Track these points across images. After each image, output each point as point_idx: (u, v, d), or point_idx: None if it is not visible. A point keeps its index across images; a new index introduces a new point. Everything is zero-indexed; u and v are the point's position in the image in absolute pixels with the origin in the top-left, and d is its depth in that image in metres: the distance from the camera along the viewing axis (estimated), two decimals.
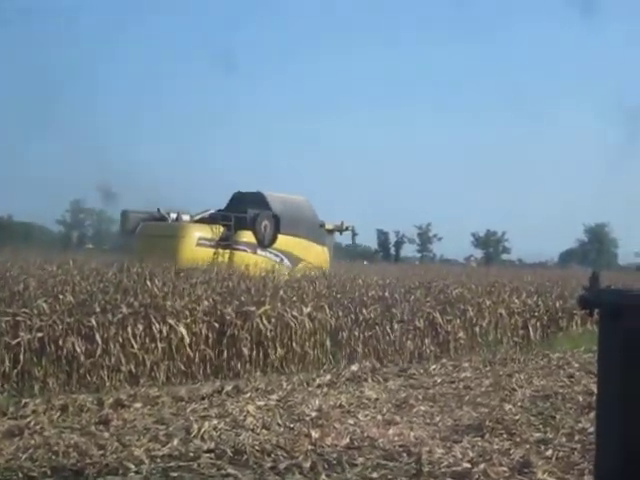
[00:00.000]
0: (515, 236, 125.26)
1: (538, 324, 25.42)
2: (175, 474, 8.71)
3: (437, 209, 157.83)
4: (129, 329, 15.17)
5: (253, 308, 17.07)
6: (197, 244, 27.49)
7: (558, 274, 42.69)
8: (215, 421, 11.01)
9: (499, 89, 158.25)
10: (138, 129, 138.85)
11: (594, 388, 4.41)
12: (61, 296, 15.46)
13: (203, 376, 15.90)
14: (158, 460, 9.14)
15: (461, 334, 21.71)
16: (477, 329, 22.56)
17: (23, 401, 12.07)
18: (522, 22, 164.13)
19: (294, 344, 17.56)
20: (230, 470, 8.85)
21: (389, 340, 19.59)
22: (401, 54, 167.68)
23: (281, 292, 18.72)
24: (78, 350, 14.40)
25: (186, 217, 29.37)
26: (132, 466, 8.83)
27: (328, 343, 18.33)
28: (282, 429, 10.86)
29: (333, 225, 33.75)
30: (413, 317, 20.50)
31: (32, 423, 10.73)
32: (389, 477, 8.64)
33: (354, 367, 16.59)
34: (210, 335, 16.37)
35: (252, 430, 10.66)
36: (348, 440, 10.19)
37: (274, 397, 13.16)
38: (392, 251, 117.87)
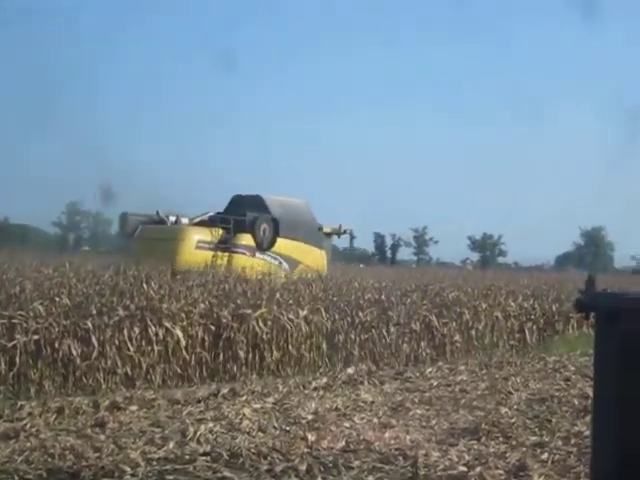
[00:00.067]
0: (511, 239, 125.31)
1: (534, 327, 25.47)
2: (171, 477, 8.70)
3: (433, 212, 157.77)
4: (125, 332, 15.17)
5: (249, 311, 17.08)
6: (196, 247, 27.46)
7: (554, 277, 42.80)
8: (211, 424, 11.00)
9: (498, 90, 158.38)
10: (138, 129, 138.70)
11: (590, 391, 4.41)
12: (57, 299, 15.46)
13: (199, 379, 15.91)
14: (154, 463, 9.13)
15: (457, 337, 21.74)
16: (473, 332, 22.60)
17: (19, 403, 12.07)
18: (522, 22, 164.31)
19: (290, 347, 17.57)
20: (226, 473, 8.84)
21: (385, 343, 19.61)
22: (401, 54, 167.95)
23: (277, 295, 18.73)
24: (74, 353, 14.40)
25: (185, 220, 29.34)
26: (128, 469, 8.82)
27: (324, 346, 18.34)
28: (278, 432, 10.86)
29: (331, 228, 33.74)
30: (409, 320, 20.52)
31: (28, 426, 10.71)
32: None
33: (350, 370, 16.59)
34: (206, 338, 16.37)
35: (248, 433, 10.66)
36: (344, 443, 10.18)
37: (270, 400, 13.15)
38: (388, 254, 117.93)
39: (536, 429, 11.45)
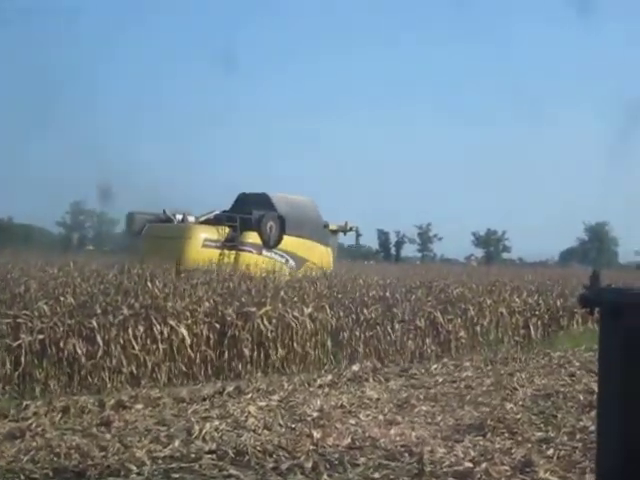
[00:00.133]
0: (515, 235, 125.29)
1: (539, 323, 25.44)
2: (177, 475, 8.71)
3: (437, 209, 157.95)
4: (130, 330, 15.17)
5: (254, 309, 17.08)
6: (203, 245, 27.51)
7: (559, 273, 42.73)
8: (216, 422, 11.01)
9: (499, 89, 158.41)
10: (138, 129, 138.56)
11: (595, 387, 4.41)
12: (62, 298, 15.47)
13: (204, 377, 15.91)
14: (159, 461, 9.14)
15: (462, 333, 21.72)
16: (478, 328, 22.58)
17: (24, 403, 12.08)
18: (522, 22, 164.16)
19: (295, 344, 17.56)
20: (232, 471, 8.85)
21: (390, 340, 19.60)
22: (401, 54, 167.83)
23: (282, 293, 18.73)
24: (79, 352, 14.41)
25: (191, 218, 29.39)
26: (134, 467, 8.84)
27: (329, 343, 18.34)
28: (284, 429, 10.86)
29: (337, 226, 33.79)
30: (414, 317, 20.51)
31: (33, 425, 10.72)
32: (391, 477, 8.64)
33: (355, 367, 16.59)
34: (211, 336, 16.38)
35: (253, 431, 10.66)
36: (350, 440, 10.18)
37: (275, 398, 13.16)
38: (393, 251, 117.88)
39: (541, 425, 11.46)
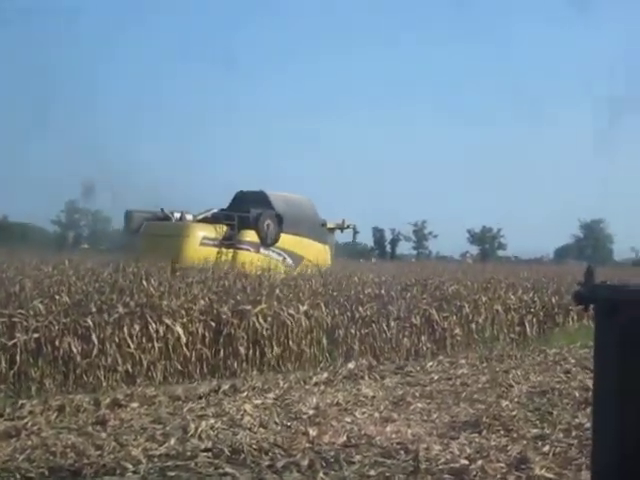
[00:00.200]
0: (511, 232, 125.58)
1: (534, 320, 25.46)
2: (172, 473, 8.70)
3: (432, 206, 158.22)
4: (125, 329, 15.16)
5: (249, 307, 17.07)
6: (201, 243, 27.54)
7: (554, 270, 42.81)
8: (212, 420, 11.01)
9: (498, 88, 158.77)
10: (138, 129, 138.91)
11: (590, 383, 4.42)
12: (57, 297, 15.45)
13: (200, 375, 15.90)
14: (155, 460, 9.14)
15: (457, 331, 21.73)
16: (473, 326, 22.59)
17: (20, 402, 12.06)
18: (522, 22, 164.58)
19: (290, 342, 17.56)
20: (228, 469, 8.85)
21: (385, 337, 19.60)
22: (401, 54, 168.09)
23: (277, 291, 18.73)
24: (74, 350, 14.39)
25: (189, 217, 29.43)
26: (129, 466, 8.83)
27: (324, 341, 18.34)
28: (279, 427, 10.86)
29: (334, 223, 33.85)
30: (409, 314, 20.51)
31: (29, 424, 10.72)
32: (387, 475, 8.64)
33: (351, 365, 16.60)
34: (206, 334, 16.37)
35: (249, 429, 10.66)
36: (345, 438, 10.18)
37: (271, 396, 13.16)
38: (388, 249, 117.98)
39: (537, 422, 11.46)
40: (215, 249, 27.69)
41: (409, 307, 20.78)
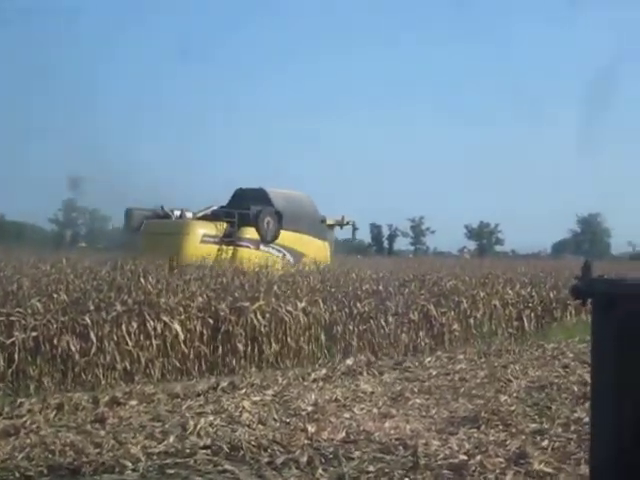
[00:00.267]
0: (508, 227, 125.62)
1: (532, 315, 25.47)
2: (172, 471, 8.71)
3: (430, 202, 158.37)
4: (123, 327, 15.16)
5: (247, 304, 17.07)
6: (201, 241, 27.56)
7: (551, 265, 42.84)
8: (211, 417, 11.02)
9: (497, 87, 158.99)
10: (138, 129, 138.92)
11: (589, 378, 4.42)
12: (55, 295, 15.45)
13: (198, 372, 15.90)
14: (154, 457, 9.14)
15: (455, 326, 21.74)
16: (471, 321, 22.60)
17: (18, 400, 12.06)
18: (522, 22, 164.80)
19: (289, 339, 17.56)
20: (227, 466, 8.85)
21: (384, 333, 19.60)
22: (401, 54, 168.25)
23: (275, 287, 18.73)
24: (73, 349, 14.39)
25: (189, 214, 29.46)
26: (128, 464, 8.83)
27: (323, 337, 18.34)
28: (278, 424, 10.87)
29: (334, 220, 33.87)
30: (407, 310, 20.52)
31: (28, 422, 10.72)
32: (386, 470, 8.64)
33: (349, 361, 16.61)
34: (205, 331, 16.36)
35: (248, 426, 10.67)
36: (344, 434, 10.19)
37: (270, 392, 13.17)
38: (385, 244, 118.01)
39: (536, 416, 11.48)
40: (215, 246, 27.73)
41: (407, 303, 20.79)
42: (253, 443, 9.60)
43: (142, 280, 17.25)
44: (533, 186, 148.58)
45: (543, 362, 17.20)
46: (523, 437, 10.13)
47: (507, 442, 9.80)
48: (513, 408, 11.82)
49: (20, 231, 78.90)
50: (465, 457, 9.04)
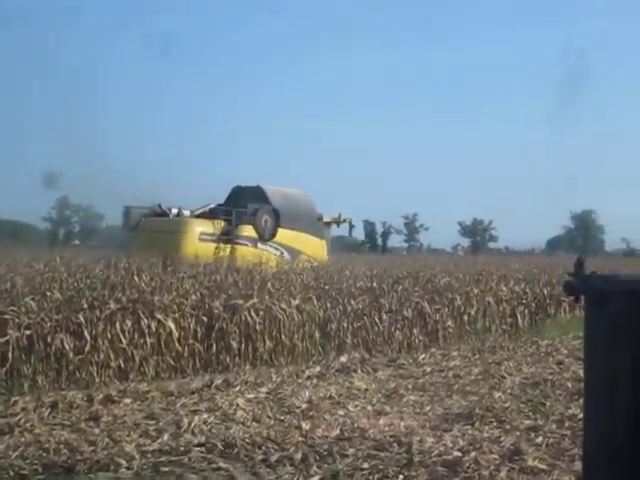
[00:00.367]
0: (502, 224, 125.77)
1: (526, 311, 25.53)
2: (166, 469, 8.72)
3: (423, 199, 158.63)
4: (117, 325, 15.13)
5: (241, 301, 17.06)
6: (199, 239, 27.59)
7: (545, 261, 42.93)
8: (205, 415, 11.03)
9: (496, 86, 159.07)
10: (137, 128, 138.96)
11: (583, 374, 4.43)
12: (49, 293, 15.41)
13: (192, 370, 15.88)
14: (149, 455, 9.15)
15: (450, 323, 21.76)
16: (465, 318, 22.62)
17: (13, 399, 12.03)
18: (522, 22, 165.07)
19: (283, 336, 17.55)
20: (221, 463, 8.86)
21: (378, 331, 19.62)
22: (401, 54, 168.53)
23: (269, 285, 18.71)
24: (67, 347, 14.36)
25: (187, 212, 29.50)
26: (123, 462, 8.84)
27: (317, 335, 18.33)
28: (272, 421, 10.88)
29: (331, 218, 33.94)
30: (401, 307, 20.54)
31: (22, 421, 10.70)
32: (380, 467, 8.65)
33: (343, 358, 16.62)
34: (199, 329, 16.34)
35: (242, 423, 10.68)
36: (338, 431, 10.21)
37: (264, 390, 13.17)
38: (379, 242, 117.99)
39: (530, 413, 11.51)
40: (213, 244, 27.79)
41: (401, 300, 20.81)
42: (247, 440, 9.62)
43: (136, 278, 17.22)
44: (527, 183, 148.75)
45: (537, 358, 17.24)
46: (517, 433, 10.16)
47: (501, 439, 9.82)
48: (507, 405, 11.84)
49: (14, 229, 78.88)
50: (459, 454, 9.05)
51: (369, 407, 11.89)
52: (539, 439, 9.84)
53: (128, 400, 12.30)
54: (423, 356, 17.37)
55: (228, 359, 16.48)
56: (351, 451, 9.30)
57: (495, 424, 10.72)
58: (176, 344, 15.82)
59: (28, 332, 14.12)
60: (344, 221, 35.16)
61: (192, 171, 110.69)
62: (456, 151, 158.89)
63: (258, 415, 11.15)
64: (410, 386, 13.72)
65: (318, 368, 15.43)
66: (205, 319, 16.48)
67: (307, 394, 12.62)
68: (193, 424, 10.38)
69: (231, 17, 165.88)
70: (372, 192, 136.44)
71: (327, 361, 16.48)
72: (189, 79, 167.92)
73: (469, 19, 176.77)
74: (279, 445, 9.54)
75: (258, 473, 8.62)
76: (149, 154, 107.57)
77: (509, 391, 13.13)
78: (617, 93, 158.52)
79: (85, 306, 15.05)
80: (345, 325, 19.00)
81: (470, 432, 10.27)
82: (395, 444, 9.54)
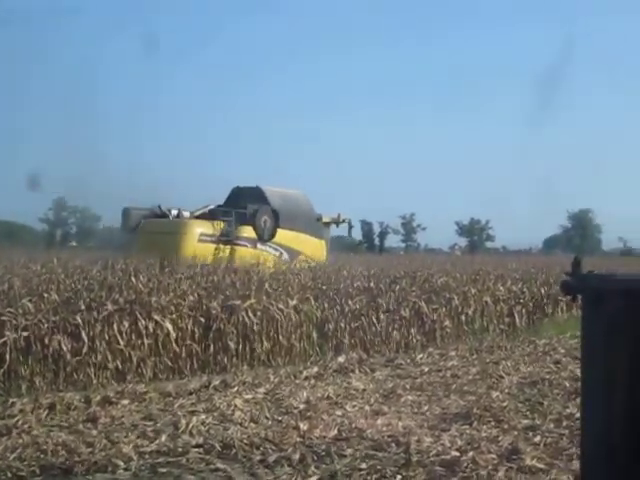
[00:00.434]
0: (499, 224, 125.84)
1: (524, 311, 25.55)
2: (164, 470, 8.71)
3: (420, 199, 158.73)
4: (115, 326, 15.12)
5: (238, 302, 17.05)
6: (199, 240, 27.63)
7: (542, 261, 42.93)
8: (203, 416, 11.03)
9: (495, 86, 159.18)
10: (137, 129, 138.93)
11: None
12: (46, 295, 15.40)
13: (190, 371, 15.88)
14: (147, 456, 9.14)
15: (447, 323, 21.76)
16: (463, 317, 22.63)
17: (10, 400, 12.02)
18: (522, 22, 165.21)
19: (280, 337, 17.55)
20: (219, 464, 8.86)
21: (375, 331, 19.62)
22: (401, 54, 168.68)
23: (266, 285, 18.71)
24: (64, 348, 14.35)
25: (186, 213, 29.53)
26: (121, 463, 8.83)
27: (314, 335, 18.33)
28: (270, 422, 10.88)
29: (330, 218, 33.98)
30: (399, 307, 20.54)
31: (20, 422, 10.69)
32: (378, 467, 8.64)
33: (341, 358, 16.62)
34: (196, 330, 16.34)
35: (240, 424, 10.68)
36: (336, 431, 10.20)
37: (261, 390, 13.17)
38: (376, 242, 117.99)
39: (528, 412, 11.51)
40: (213, 245, 27.83)
41: (398, 300, 20.81)
42: (245, 441, 9.61)
43: (133, 279, 17.21)
44: (524, 182, 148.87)
45: (535, 358, 17.25)
46: (515, 433, 10.16)
47: (499, 438, 9.82)
48: (505, 404, 11.85)
49: (10, 231, 78.79)
50: (457, 453, 9.06)
51: (367, 407, 11.89)
52: (537, 438, 9.84)
53: (126, 401, 12.29)
54: (421, 356, 17.37)
55: (226, 360, 16.48)
56: (349, 451, 9.30)
57: (493, 424, 10.73)
58: (173, 345, 15.82)
59: (25, 333, 14.11)
60: (343, 221, 35.22)
61: (192, 172, 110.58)
62: (453, 151, 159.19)
63: (256, 416, 11.15)
64: (408, 386, 13.72)
65: (316, 368, 15.43)
66: (202, 320, 16.48)
67: (305, 394, 12.63)
68: (191, 425, 10.38)
69: (231, 17, 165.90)
70: (369, 192, 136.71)
71: (325, 361, 16.48)
72: (189, 79, 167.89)
73: (469, 19, 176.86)
74: (277, 446, 9.54)
75: (256, 474, 8.61)
76: (148, 154, 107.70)
77: (507, 391, 13.14)
78: (617, 92, 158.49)
79: (82, 307, 15.04)
80: (343, 325, 19.01)
81: (468, 432, 10.27)
82: (393, 444, 9.54)
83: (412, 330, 20.57)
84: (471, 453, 8.99)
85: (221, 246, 27.99)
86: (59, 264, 19.93)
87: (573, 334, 19.68)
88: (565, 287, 4.20)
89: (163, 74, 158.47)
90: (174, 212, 29.34)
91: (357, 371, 15.50)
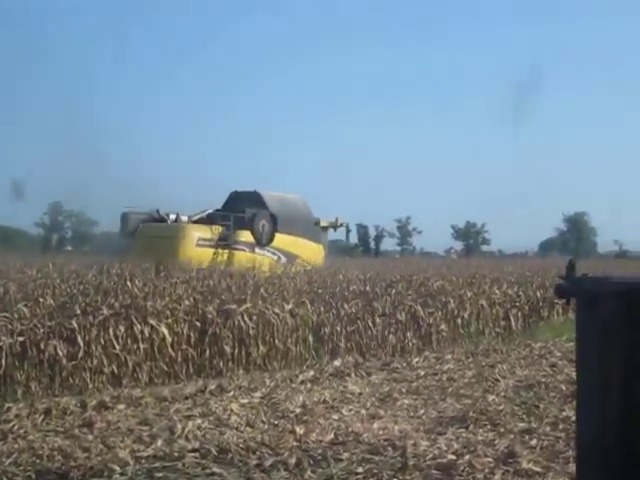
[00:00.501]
0: (495, 227, 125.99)
1: (519, 314, 25.53)
2: (160, 474, 8.70)
3: (416, 202, 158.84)
4: (110, 330, 15.11)
5: (234, 306, 17.04)
6: (197, 244, 27.71)
7: (538, 264, 42.89)
8: (199, 420, 11.02)
9: (494, 87, 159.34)
10: (136, 129, 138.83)
11: None
12: (41, 299, 15.40)
13: (186, 376, 15.86)
14: (143, 461, 9.13)
15: (443, 326, 21.76)
16: (459, 321, 22.62)
17: (6, 405, 11.99)
18: (522, 22, 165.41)
19: (276, 341, 17.54)
20: (215, 469, 8.84)
21: (371, 334, 19.61)
22: (401, 54, 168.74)
23: (262, 289, 18.71)
24: (60, 353, 14.34)
25: (185, 218, 29.56)
26: (117, 468, 8.82)
27: (310, 339, 18.32)
28: (266, 426, 10.87)
29: (328, 222, 34.03)
30: (395, 311, 20.54)
31: (16, 427, 10.67)
32: (374, 471, 8.64)
33: (337, 362, 16.60)
34: (192, 334, 16.33)
35: (236, 428, 10.67)
36: (333, 435, 10.20)
37: (257, 394, 13.16)
38: (372, 245, 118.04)
39: (524, 415, 11.51)
40: (211, 250, 27.88)
41: (394, 303, 20.82)
42: (241, 446, 9.61)
43: (129, 284, 17.20)
44: (520, 186, 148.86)
45: (531, 361, 17.25)
46: (511, 436, 10.16)
47: (495, 441, 9.82)
48: (501, 407, 11.85)
49: (6, 235, 78.66)
50: (454, 457, 9.05)
51: (363, 411, 11.88)
52: (533, 442, 9.85)
53: (122, 406, 12.28)
54: (417, 360, 17.36)
55: (221, 364, 16.47)
56: (345, 455, 9.29)
57: (489, 427, 10.73)
58: (169, 349, 15.81)
59: (21, 338, 14.09)
60: (341, 225, 35.33)
61: (190, 174, 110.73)
62: (449, 153, 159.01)
63: (252, 420, 11.14)
64: (404, 390, 13.72)
65: (312, 372, 15.43)
66: (198, 324, 16.47)
67: (301, 398, 12.62)
68: (187, 429, 10.37)
69: (231, 17, 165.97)
70: (365, 194, 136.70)
71: (321, 365, 16.47)
72: (189, 78, 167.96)
73: (469, 19, 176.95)
74: (273, 450, 9.53)
75: (252, 478, 8.61)
76: (148, 154, 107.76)
77: (503, 394, 13.14)
78: (617, 93, 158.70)
79: (78, 312, 15.03)
80: (339, 329, 18.99)
81: (464, 435, 10.27)
82: (389, 448, 9.53)
83: (408, 334, 20.57)
84: (467, 456, 8.99)
85: (219, 250, 28.06)
86: (55, 269, 19.94)
87: (569, 337, 19.67)
88: (559, 290, 4.21)
89: (163, 74, 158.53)
90: (172, 216, 29.41)
91: (353, 375, 15.50)
